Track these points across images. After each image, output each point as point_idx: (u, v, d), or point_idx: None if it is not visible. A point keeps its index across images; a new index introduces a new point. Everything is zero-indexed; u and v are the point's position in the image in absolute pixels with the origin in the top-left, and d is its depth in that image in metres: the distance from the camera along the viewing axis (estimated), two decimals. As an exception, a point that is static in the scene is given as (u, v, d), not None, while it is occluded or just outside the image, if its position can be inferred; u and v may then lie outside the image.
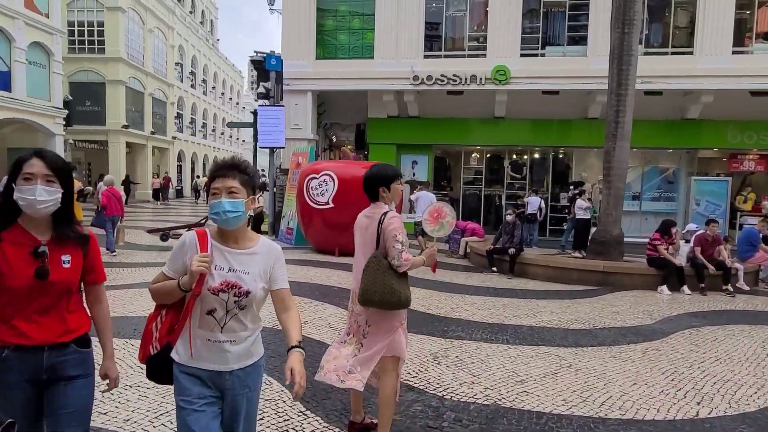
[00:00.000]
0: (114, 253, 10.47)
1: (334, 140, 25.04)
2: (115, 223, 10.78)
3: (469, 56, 15.76)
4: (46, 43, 22.03)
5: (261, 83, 14.25)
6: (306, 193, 11.48)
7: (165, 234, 12.83)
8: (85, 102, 28.52)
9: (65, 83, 27.15)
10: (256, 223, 12.69)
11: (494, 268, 10.33)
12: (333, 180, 11.16)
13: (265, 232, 12.88)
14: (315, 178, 11.43)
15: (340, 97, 18.31)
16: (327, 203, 11.15)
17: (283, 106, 14.29)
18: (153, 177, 31.09)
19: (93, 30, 28.53)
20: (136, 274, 8.81)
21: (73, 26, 28.39)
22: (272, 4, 17.89)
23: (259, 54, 14.36)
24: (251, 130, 15.63)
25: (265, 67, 14.05)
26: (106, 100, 28.63)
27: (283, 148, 14.72)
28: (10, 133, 24.19)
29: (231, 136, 53.04)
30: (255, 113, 14.63)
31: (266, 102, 14.85)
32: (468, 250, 12.22)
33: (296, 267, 9.78)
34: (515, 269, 9.94)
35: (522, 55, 15.45)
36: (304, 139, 15.91)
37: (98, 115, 28.58)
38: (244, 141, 60.10)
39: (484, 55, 15.45)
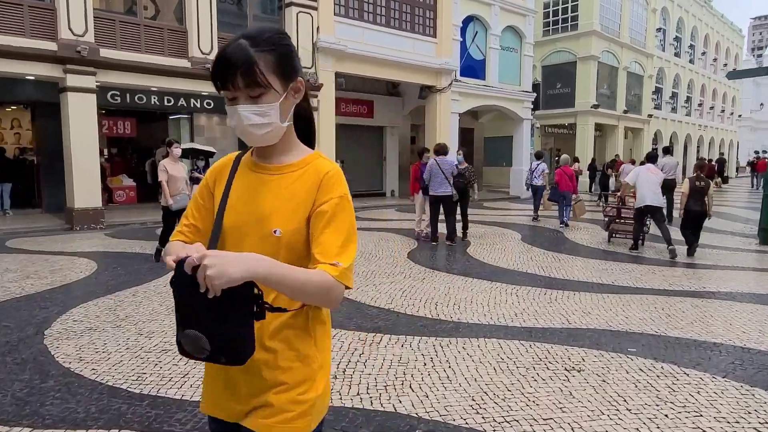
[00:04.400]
0: (562, 226, 11.87)
1: None
2: (568, 198, 12.00)
3: None
4: (518, 25, 21.54)
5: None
6: None
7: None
8: (555, 85, 27.53)
9: (537, 68, 26.71)
10: None
11: None
12: None
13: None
14: None
15: None
16: None
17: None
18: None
19: (567, 7, 27.03)
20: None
21: (548, 8, 27.64)
22: None
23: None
24: (749, 101, 10.07)
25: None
26: (576, 80, 26.80)
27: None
28: (487, 123, 25.31)
29: (723, 111, 43.45)
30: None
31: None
32: None
33: None
34: None
35: None
36: None
37: (567, 98, 27.10)
38: (740, 116, 48.80)
39: None
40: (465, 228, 10.04)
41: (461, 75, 19.47)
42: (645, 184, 8.41)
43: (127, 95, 13.70)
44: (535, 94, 22.65)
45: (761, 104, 52.09)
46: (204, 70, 13.31)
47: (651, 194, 8.35)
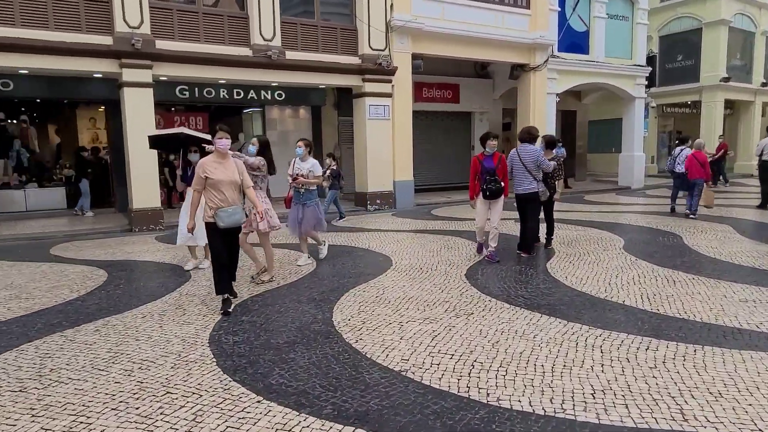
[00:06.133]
0: (693, 216, 10.92)
1: None
2: (699, 186, 11.13)
3: None
4: (629, -11, 18.57)
5: None
6: None
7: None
8: (675, 57, 23.80)
9: (653, 39, 23.24)
10: None
11: None
12: None
13: None
14: None
15: None
16: None
17: None
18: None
19: (693, -34, 23.16)
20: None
21: (669, -32, 23.89)
22: None
23: None
24: None
25: None
26: (701, 50, 22.92)
27: None
28: (592, 104, 22.41)
29: None
30: None
31: None
32: None
33: None
34: None
35: None
36: None
37: (690, 71, 23.30)
38: None
39: None
40: (549, 233, 8.11)
41: (559, 50, 17.01)
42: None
43: (196, 89, 13.19)
44: (650, 69, 19.43)
45: None
46: (266, 58, 12.37)
47: None
